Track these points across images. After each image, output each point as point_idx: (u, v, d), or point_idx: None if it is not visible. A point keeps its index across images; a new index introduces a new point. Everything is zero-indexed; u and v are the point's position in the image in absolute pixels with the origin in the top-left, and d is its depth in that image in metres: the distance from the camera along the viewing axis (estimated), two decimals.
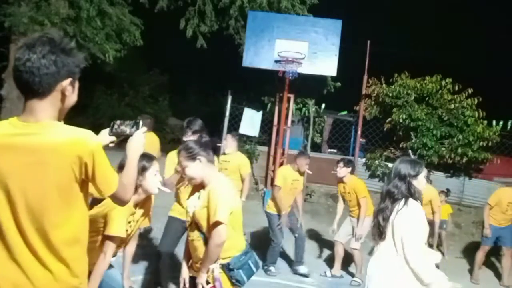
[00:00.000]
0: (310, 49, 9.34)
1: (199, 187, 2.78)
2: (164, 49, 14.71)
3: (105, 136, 2.01)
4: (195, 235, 2.74)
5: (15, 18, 8.09)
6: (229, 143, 5.97)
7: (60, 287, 1.66)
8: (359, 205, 5.76)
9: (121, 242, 2.81)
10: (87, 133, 1.67)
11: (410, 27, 17.51)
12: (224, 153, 5.93)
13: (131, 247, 3.99)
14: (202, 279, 2.64)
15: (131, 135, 1.98)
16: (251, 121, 10.56)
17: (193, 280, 2.77)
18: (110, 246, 2.61)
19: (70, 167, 1.60)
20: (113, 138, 2.03)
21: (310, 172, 6.24)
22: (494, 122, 9.96)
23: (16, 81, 1.64)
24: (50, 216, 1.62)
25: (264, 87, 10.58)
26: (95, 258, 2.60)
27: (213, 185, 2.68)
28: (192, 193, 2.84)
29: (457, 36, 17.90)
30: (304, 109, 10.80)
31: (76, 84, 1.74)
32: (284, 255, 6.28)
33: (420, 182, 2.86)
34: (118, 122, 2.05)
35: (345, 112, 11.60)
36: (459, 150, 9.68)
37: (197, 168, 2.72)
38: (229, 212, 2.62)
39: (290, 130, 10.23)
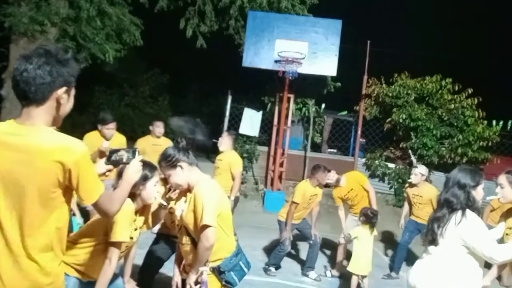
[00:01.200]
0: (310, 49, 9.35)
1: (186, 190, 2.76)
2: (164, 49, 14.70)
3: (102, 165, 2.16)
4: (185, 239, 2.73)
5: (15, 18, 8.08)
6: (224, 141, 5.99)
7: (29, 286, 1.73)
8: (362, 200, 5.80)
9: (125, 249, 2.81)
10: (75, 141, 1.77)
11: (410, 27, 17.51)
12: (220, 152, 5.95)
13: (132, 252, 4.01)
14: (191, 279, 2.63)
15: (128, 163, 2.10)
16: (251, 121, 10.57)
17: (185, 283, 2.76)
18: (114, 252, 2.61)
19: (54, 171, 1.69)
20: (110, 167, 2.16)
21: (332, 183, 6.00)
22: (494, 122, 9.96)
23: (14, 90, 1.75)
24: (28, 216, 1.70)
25: (264, 87, 10.59)
26: (99, 266, 2.61)
27: (197, 188, 2.64)
28: (179, 197, 2.81)
29: (457, 36, 17.89)
30: (304, 109, 10.80)
31: (72, 92, 1.84)
32: (286, 256, 6.28)
33: (478, 193, 2.78)
34: (115, 150, 2.15)
35: (345, 112, 11.60)
36: (459, 150, 9.68)
37: (180, 175, 2.68)
38: (217, 214, 2.60)
39: (290, 130, 10.24)
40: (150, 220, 3.08)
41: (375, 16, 17.88)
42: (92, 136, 5.64)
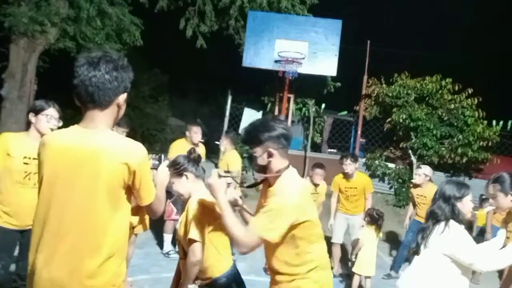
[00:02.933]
0: (310, 49, 9.35)
1: (187, 201, 2.73)
2: (164, 49, 14.70)
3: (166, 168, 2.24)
4: (181, 253, 2.70)
5: (15, 18, 8.09)
6: (223, 142, 6.06)
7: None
8: (356, 202, 5.80)
9: None
10: (137, 144, 1.89)
11: (410, 27, 17.52)
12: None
13: (129, 251, 4.02)
14: None
15: (155, 168, 2.20)
16: (251, 121, 10.57)
17: None
18: None
19: (120, 171, 1.79)
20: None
21: (323, 185, 6.02)
22: (494, 122, 9.96)
23: (80, 94, 1.82)
24: (97, 217, 1.78)
25: (264, 87, 10.59)
26: None
27: (191, 200, 2.63)
28: (183, 209, 2.78)
29: (457, 36, 17.90)
30: (304, 109, 10.80)
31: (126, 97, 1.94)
32: None
33: (464, 205, 2.83)
34: None
35: (345, 112, 11.61)
36: (459, 150, 9.68)
37: (184, 184, 2.68)
38: (207, 230, 2.56)
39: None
40: (147, 221, 3.07)
41: (375, 16, 17.89)
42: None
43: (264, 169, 2.24)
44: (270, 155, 2.20)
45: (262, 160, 2.22)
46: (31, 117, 3.34)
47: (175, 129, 18.11)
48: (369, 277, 5.13)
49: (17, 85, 8.72)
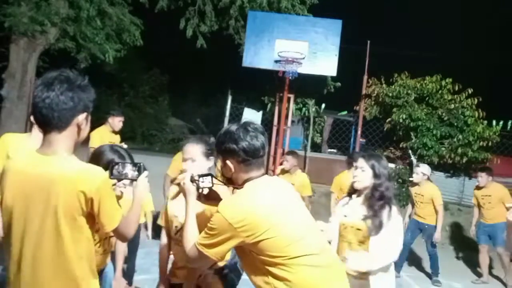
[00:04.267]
0: (310, 49, 9.34)
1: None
2: (164, 49, 14.70)
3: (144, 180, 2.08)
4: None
5: (15, 18, 8.09)
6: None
7: None
8: None
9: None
10: (95, 169, 1.80)
11: (410, 27, 17.52)
12: None
13: (122, 246, 3.97)
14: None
15: (134, 180, 2.03)
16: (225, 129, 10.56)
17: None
18: None
19: (77, 200, 1.71)
20: (112, 181, 2.04)
21: (285, 167, 6.14)
22: (494, 122, 9.95)
23: (35, 117, 1.78)
24: (58, 246, 1.72)
25: (264, 87, 10.58)
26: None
27: None
28: (175, 196, 2.70)
29: (457, 36, 17.89)
30: (304, 109, 10.80)
31: (89, 118, 1.87)
32: None
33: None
34: (118, 164, 2.04)
35: (345, 112, 11.60)
36: (459, 150, 9.67)
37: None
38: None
39: (290, 130, 10.23)
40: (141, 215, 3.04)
41: (375, 16, 17.88)
42: (101, 131, 5.85)
43: (229, 180, 2.14)
44: (229, 168, 2.06)
45: (225, 171, 2.12)
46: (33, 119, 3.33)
47: (175, 129, 18.12)
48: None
49: (17, 85, 8.72)
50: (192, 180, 2.17)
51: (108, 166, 2.07)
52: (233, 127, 2.09)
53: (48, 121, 1.75)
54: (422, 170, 6.08)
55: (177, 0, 10.24)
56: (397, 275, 6.19)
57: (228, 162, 2.05)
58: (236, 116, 10.71)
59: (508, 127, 10.30)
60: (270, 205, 1.97)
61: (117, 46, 9.29)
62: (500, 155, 10.39)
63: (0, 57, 8.84)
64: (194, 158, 2.53)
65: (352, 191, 3.00)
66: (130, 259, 4.31)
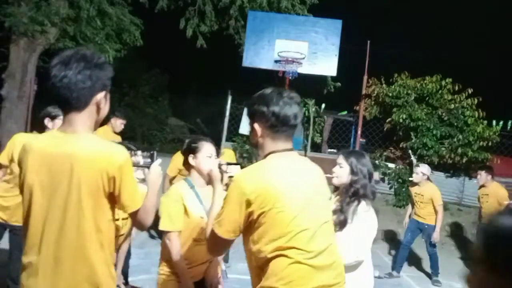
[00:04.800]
0: (310, 49, 9.34)
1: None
2: (164, 49, 14.70)
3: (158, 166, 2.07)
4: None
5: (15, 18, 8.09)
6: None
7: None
8: None
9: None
10: (118, 148, 1.77)
11: (410, 27, 17.52)
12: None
13: (125, 245, 4.00)
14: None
15: (146, 167, 2.01)
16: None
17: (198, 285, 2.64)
18: None
19: (100, 178, 1.68)
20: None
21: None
22: (494, 122, 9.95)
23: (55, 97, 1.74)
24: (80, 225, 1.69)
25: (264, 87, 10.56)
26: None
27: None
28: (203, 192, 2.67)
29: (457, 36, 17.90)
30: (304, 109, 10.79)
31: (108, 96, 1.83)
32: None
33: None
34: (130, 152, 2.02)
35: (345, 112, 11.60)
36: (459, 150, 9.68)
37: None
38: None
39: None
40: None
41: (375, 16, 17.88)
42: (102, 131, 5.84)
43: (256, 147, 1.99)
44: (256, 132, 1.93)
45: (252, 136, 1.99)
46: (47, 122, 3.31)
47: (175, 129, 18.12)
48: None
49: (17, 85, 8.71)
50: (220, 167, 2.17)
51: None
52: (268, 90, 1.99)
53: (67, 101, 1.72)
54: (422, 170, 6.08)
55: (177, 0, 10.24)
56: (397, 275, 6.20)
57: (256, 125, 1.93)
58: (236, 116, 10.71)
59: (508, 127, 10.30)
60: (284, 184, 1.84)
61: (117, 46, 9.29)
62: (500, 155, 10.39)
63: (0, 57, 8.83)
64: (215, 155, 2.63)
65: (335, 189, 3.00)
66: (125, 258, 4.30)
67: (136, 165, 2.01)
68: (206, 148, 2.64)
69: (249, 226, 1.85)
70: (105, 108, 1.83)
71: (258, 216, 1.80)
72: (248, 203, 1.79)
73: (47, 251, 1.69)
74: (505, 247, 0.89)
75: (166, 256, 2.65)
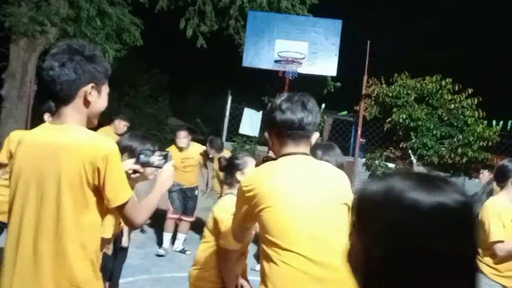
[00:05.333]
0: (310, 49, 9.34)
1: None
2: (164, 49, 14.71)
3: (129, 164, 2.05)
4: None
5: (15, 18, 8.10)
6: (210, 151, 6.32)
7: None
8: None
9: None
10: (104, 139, 1.74)
11: (410, 27, 17.52)
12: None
13: (124, 240, 3.96)
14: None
15: (159, 167, 1.99)
16: (251, 121, 10.57)
17: None
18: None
19: (82, 169, 1.64)
20: (137, 167, 2.04)
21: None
22: (494, 122, 9.95)
23: (46, 88, 1.74)
24: (60, 218, 1.64)
25: (264, 87, 10.59)
26: None
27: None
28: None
29: (457, 36, 17.90)
30: None
31: (104, 89, 1.81)
32: None
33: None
34: (145, 152, 2.03)
35: (345, 112, 11.60)
36: (459, 150, 9.67)
37: None
38: None
39: None
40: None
41: (375, 16, 17.88)
42: (104, 132, 5.87)
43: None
44: (269, 138, 1.99)
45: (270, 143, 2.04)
46: (47, 118, 3.22)
47: (175, 129, 18.14)
48: None
49: (17, 85, 8.72)
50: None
51: (123, 152, 2.06)
52: (279, 97, 2.01)
53: (54, 94, 1.72)
54: None
55: (177, 0, 10.25)
56: None
57: (266, 133, 2.01)
58: (236, 116, 10.71)
59: (508, 127, 10.29)
60: (286, 184, 1.80)
61: (117, 46, 9.30)
62: (500, 155, 10.38)
63: (0, 57, 8.84)
64: None
65: None
66: (117, 264, 4.16)
67: (150, 165, 2.01)
68: (251, 162, 2.74)
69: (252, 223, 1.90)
70: (98, 102, 1.78)
71: (256, 214, 1.79)
72: (247, 200, 1.82)
73: (26, 247, 1.65)
74: (360, 206, 0.89)
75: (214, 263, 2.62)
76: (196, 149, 6.55)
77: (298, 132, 1.89)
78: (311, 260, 1.71)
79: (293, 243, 1.72)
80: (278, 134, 1.91)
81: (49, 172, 1.65)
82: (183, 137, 6.41)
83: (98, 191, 1.69)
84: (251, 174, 1.97)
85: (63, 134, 1.69)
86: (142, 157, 2.01)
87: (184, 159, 6.32)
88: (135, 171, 2.05)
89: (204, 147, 6.55)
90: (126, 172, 1.95)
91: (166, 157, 1.99)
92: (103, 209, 1.75)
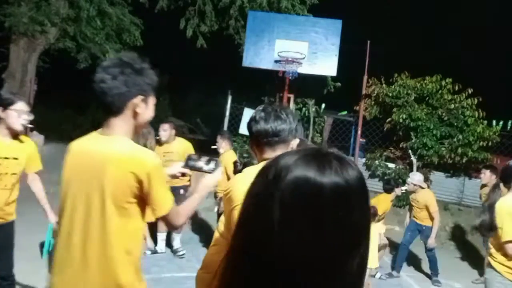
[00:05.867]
0: (310, 49, 9.34)
1: None
2: (164, 49, 14.70)
3: (178, 168, 2.16)
4: None
5: (15, 18, 8.10)
6: (220, 145, 6.07)
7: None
8: None
9: None
10: (148, 153, 1.82)
11: (410, 27, 17.52)
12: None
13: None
14: None
15: (208, 172, 2.06)
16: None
17: None
18: None
19: (127, 180, 1.73)
20: (186, 170, 2.12)
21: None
22: (494, 122, 9.96)
23: (97, 100, 1.82)
24: (105, 225, 1.74)
25: (264, 87, 10.58)
26: None
27: None
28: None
29: (457, 36, 17.90)
30: (304, 109, 10.80)
31: (151, 100, 1.92)
32: None
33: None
34: (194, 156, 2.12)
35: (345, 112, 11.60)
36: (459, 150, 9.68)
37: None
38: None
39: None
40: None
41: (375, 16, 17.88)
42: None
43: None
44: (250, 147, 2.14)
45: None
46: (0, 112, 3.03)
47: (175, 129, 18.11)
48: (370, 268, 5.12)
49: (17, 85, 8.73)
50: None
51: None
52: (256, 110, 2.15)
53: (104, 105, 1.79)
54: (412, 181, 6.12)
55: (177, 0, 10.25)
56: (397, 275, 6.20)
57: (250, 142, 2.13)
58: (236, 116, 10.71)
59: (508, 127, 10.30)
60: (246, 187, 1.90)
61: (117, 46, 9.31)
62: (500, 155, 10.39)
63: (0, 57, 8.84)
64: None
65: None
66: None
67: (199, 169, 2.08)
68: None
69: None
70: (146, 113, 1.89)
71: (230, 213, 1.89)
72: (225, 201, 1.93)
73: (75, 252, 1.74)
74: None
75: None
76: (180, 144, 6.20)
77: (273, 138, 2.02)
78: None
79: None
80: (256, 143, 2.04)
81: (95, 181, 1.74)
82: (162, 129, 6.13)
83: (142, 200, 1.78)
84: (233, 179, 2.03)
85: (111, 145, 1.77)
86: (190, 161, 2.10)
87: (165, 153, 5.93)
88: (183, 174, 2.17)
89: (189, 144, 6.20)
90: (174, 175, 2.12)
91: (216, 163, 2.06)
92: (145, 216, 1.85)
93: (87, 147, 1.82)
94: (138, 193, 1.75)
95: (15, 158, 3.12)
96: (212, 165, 2.06)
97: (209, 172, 2.06)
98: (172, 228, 1.98)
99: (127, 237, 1.77)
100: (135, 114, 1.83)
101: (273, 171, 0.78)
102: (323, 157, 0.78)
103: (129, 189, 1.73)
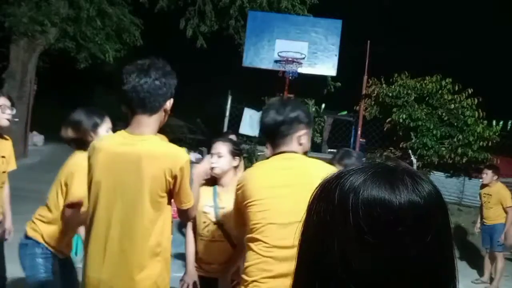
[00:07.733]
0: (310, 49, 9.34)
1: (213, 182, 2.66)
2: (164, 49, 14.70)
3: (207, 162, 2.41)
4: (217, 234, 2.59)
5: (15, 18, 8.10)
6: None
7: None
8: None
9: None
10: (180, 149, 1.99)
11: (410, 27, 17.52)
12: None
13: None
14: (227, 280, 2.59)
15: (196, 163, 2.36)
16: (251, 121, 10.55)
17: (204, 280, 2.64)
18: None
19: (163, 176, 1.84)
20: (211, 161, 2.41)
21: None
22: (494, 122, 9.95)
23: (131, 100, 1.90)
24: (141, 219, 1.85)
25: (264, 87, 10.58)
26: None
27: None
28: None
29: (457, 36, 17.90)
30: None
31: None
32: None
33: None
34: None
35: (345, 112, 11.60)
36: (459, 150, 9.68)
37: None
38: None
39: None
40: None
41: (375, 16, 17.88)
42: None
43: None
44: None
45: None
46: None
47: (175, 129, 18.11)
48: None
49: (17, 85, 8.73)
50: None
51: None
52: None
53: (143, 105, 1.88)
54: None
55: (177, 0, 10.25)
56: None
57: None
58: (236, 116, 10.70)
59: (508, 127, 10.30)
60: (261, 181, 1.97)
61: (117, 46, 9.32)
62: (500, 155, 10.38)
63: (0, 57, 8.85)
64: (221, 154, 2.65)
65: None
66: None
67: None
68: (213, 147, 2.82)
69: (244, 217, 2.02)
70: (167, 114, 2.02)
71: (244, 208, 1.95)
72: (237, 197, 2.02)
73: (113, 246, 1.84)
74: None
75: None
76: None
77: (276, 133, 2.06)
78: (275, 247, 1.84)
79: (261, 233, 1.87)
80: (265, 137, 2.17)
81: (131, 178, 1.84)
82: None
83: (170, 194, 1.91)
84: (242, 174, 2.14)
85: (145, 144, 1.88)
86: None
87: None
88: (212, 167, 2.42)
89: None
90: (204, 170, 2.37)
91: (201, 153, 2.36)
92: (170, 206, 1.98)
93: (121, 148, 1.89)
94: (171, 187, 1.87)
95: (3, 156, 3.00)
96: (198, 155, 2.33)
97: (197, 163, 2.28)
98: (188, 220, 2.17)
99: (159, 230, 1.88)
100: (165, 114, 1.98)
101: (338, 194, 0.70)
102: (394, 174, 0.71)
103: (165, 184, 1.85)
